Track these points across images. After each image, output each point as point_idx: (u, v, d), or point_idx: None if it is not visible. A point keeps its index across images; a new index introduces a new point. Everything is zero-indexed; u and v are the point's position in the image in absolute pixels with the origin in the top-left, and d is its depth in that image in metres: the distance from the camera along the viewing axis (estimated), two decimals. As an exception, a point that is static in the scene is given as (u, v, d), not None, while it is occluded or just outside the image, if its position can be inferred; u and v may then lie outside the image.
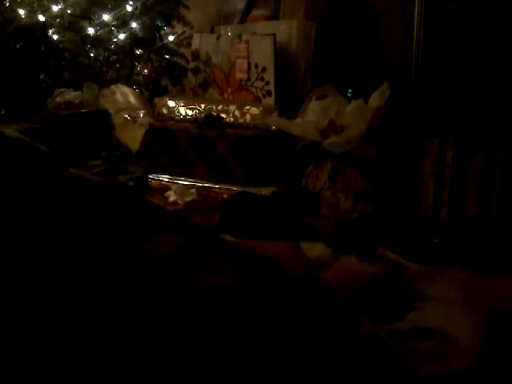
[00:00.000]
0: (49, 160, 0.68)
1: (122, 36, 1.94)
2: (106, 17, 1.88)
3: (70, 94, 1.86)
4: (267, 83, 1.56)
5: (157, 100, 1.75)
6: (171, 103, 1.69)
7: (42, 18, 1.75)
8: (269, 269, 0.85)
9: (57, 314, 0.64)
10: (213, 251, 0.90)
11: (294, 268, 0.87)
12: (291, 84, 1.61)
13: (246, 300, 0.75)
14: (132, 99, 1.88)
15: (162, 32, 2.08)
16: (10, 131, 0.64)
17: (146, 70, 1.95)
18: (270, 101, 1.56)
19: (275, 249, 0.90)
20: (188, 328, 0.70)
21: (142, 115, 1.81)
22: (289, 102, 1.54)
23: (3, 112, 1.58)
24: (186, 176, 1.50)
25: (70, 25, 1.80)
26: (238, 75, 1.63)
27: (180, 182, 1.50)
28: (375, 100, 1.26)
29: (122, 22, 1.93)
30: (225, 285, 0.78)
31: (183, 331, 0.69)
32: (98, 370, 0.62)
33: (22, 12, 1.72)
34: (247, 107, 1.53)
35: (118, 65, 1.98)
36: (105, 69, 1.95)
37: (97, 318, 0.67)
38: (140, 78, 1.98)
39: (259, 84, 1.58)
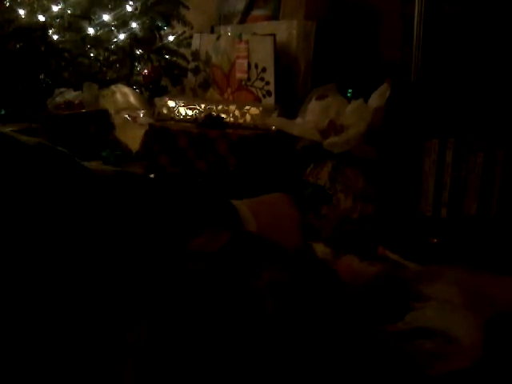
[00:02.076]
0: (74, 164, 0.67)
1: (121, 36, 1.94)
2: (106, 17, 1.88)
3: (70, 94, 1.86)
4: (267, 83, 1.56)
5: (157, 100, 1.75)
6: (171, 103, 1.69)
7: (42, 18, 1.75)
8: (319, 270, 0.86)
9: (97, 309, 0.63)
10: (263, 248, 0.89)
11: (290, 215, 0.89)
12: (291, 84, 1.61)
13: (299, 300, 0.75)
14: (132, 99, 1.89)
15: (162, 32, 2.08)
16: (27, 138, 0.63)
17: (145, 70, 1.95)
18: (270, 101, 1.56)
19: (273, 200, 0.91)
20: (242, 326, 0.69)
21: (141, 115, 1.81)
22: (289, 102, 1.54)
23: (3, 112, 1.58)
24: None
25: (70, 25, 1.80)
26: (238, 75, 1.63)
27: (180, 182, 1.50)
28: (375, 100, 1.26)
29: (122, 22, 1.93)
30: (280, 283, 0.77)
31: (237, 328, 0.69)
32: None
33: (22, 12, 1.72)
34: (247, 107, 1.53)
35: (117, 65, 1.98)
36: (105, 69, 1.95)
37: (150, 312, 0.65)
38: (140, 78, 1.98)
39: (259, 84, 1.58)
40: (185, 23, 2.01)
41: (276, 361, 0.64)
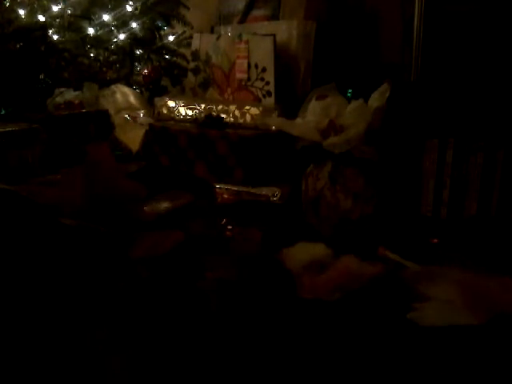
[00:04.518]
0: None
1: (122, 36, 1.94)
2: (105, 17, 1.88)
3: (70, 94, 1.87)
4: (267, 83, 1.56)
5: (157, 100, 1.75)
6: (171, 103, 1.69)
7: (41, 18, 1.75)
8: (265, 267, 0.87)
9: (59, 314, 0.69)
10: (213, 248, 0.91)
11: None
12: (291, 84, 1.61)
13: (242, 295, 0.77)
14: (132, 99, 1.89)
15: (162, 32, 2.08)
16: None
17: (145, 70, 1.95)
18: (270, 101, 1.56)
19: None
20: (189, 323, 0.71)
21: (142, 115, 1.81)
22: (289, 102, 1.54)
23: (3, 112, 1.58)
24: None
25: (70, 25, 1.80)
26: (238, 75, 1.63)
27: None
28: (375, 100, 1.26)
29: (122, 22, 1.94)
30: (226, 281, 0.79)
31: (185, 327, 0.70)
32: (103, 364, 0.64)
33: (22, 12, 1.72)
34: (247, 107, 1.53)
35: (117, 65, 1.98)
36: (105, 69, 1.95)
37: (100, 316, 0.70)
38: (140, 78, 1.98)
39: (259, 84, 1.58)
40: (185, 23, 2.01)
41: (221, 356, 0.67)
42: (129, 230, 0.93)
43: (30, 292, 0.75)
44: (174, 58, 2.06)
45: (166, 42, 2.07)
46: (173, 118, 1.68)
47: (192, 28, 2.00)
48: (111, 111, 1.82)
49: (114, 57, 1.97)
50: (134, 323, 0.72)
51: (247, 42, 1.58)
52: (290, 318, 0.80)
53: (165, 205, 1.17)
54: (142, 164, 1.59)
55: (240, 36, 1.61)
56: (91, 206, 0.93)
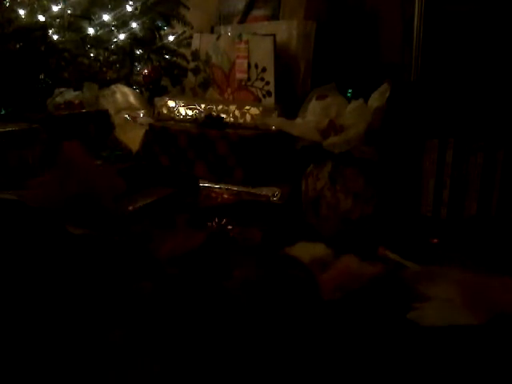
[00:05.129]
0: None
1: (122, 36, 1.94)
2: (106, 17, 1.88)
3: (70, 94, 1.86)
4: (267, 83, 1.56)
5: (157, 100, 1.75)
6: (171, 103, 1.69)
7: (41, 18, 1.75)
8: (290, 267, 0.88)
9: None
10: (236, 248, 0.92)
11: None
12: (291, 84, 1.61)
13: (271, 295, 0.77)
14: (132, 99, 1.89)
15: (162, 32, 2.08)
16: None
17: (146, 70, 1.95)
18: (270, 101, 1.56)
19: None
20: (216, 322, 0.71)
21: (141, 115, 1.81)
22: (289, 102, 1.54)
23: (3, 112, 1.58)
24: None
25: (70, 25, 1.80)
26: (238, 75, 1.63)
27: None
28: (375, 100, 1.26)
29: (122, 22, 1.93)
30: (253, 281, 0.80)
31: (211, 326, 0.71)
32: (129, 361, 0.65)
33: (22, 12, 1.72)
34: (247, 107, 1.53)
35: (118, 65, 1.98)
36: (105, 69, 1.95)
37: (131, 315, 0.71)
38: (140, 78, 1.98)
39: (259, 84, 1.58)
40: (185, 23, 2.01)
41: (253, 352, 0.67)
42: (109, 226, 0.94)
43: (48, 299, 0.76)
44: (174, 58, 2.06)
45: (166, 42, 2.07)
46: (173, 118, 1.68)
47: (192, 28, 2.00)
48: (111, 111, 1.82)
49: (114, 57, 1.97)
50: (160, 322, 0.73)
51: (247, 42, 1.58)
52: (313, 318, 0.80)
53: (143, 198, 1.21)
54: (130, 163, 1.61)
55: (240, 36, 1.61)
56: (67, 205, 0.93)
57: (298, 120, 1.32)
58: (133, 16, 1.95)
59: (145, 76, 1.95)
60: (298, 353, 0.71)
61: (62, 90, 1.84)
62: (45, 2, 1.75)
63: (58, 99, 1.81)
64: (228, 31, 1.76)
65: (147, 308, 0.75)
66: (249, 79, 1.60)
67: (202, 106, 1.62)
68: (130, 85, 1.97)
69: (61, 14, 1.78)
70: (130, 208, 1.20)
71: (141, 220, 1.05)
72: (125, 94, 1.88)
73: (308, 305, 0.81)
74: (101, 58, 1.94)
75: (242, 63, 1.61)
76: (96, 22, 1.87)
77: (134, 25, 1.96)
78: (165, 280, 0.82)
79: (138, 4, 1.94)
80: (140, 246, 0.89)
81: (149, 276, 0.82)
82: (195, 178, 1.36)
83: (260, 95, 1.58)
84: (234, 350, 0.68)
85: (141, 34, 1.98)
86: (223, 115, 1.56)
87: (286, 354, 0.70)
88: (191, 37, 1.85)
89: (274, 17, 1.71)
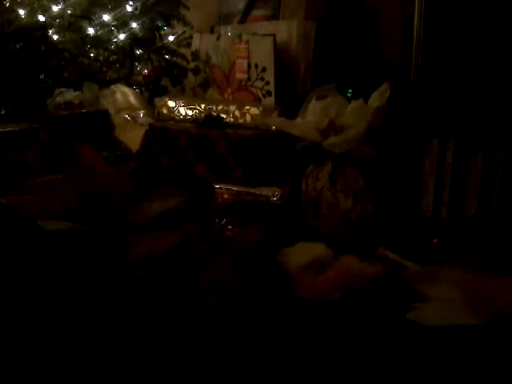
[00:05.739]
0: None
1: (122, 36, 1.94)
2: (106, 17, 1.88)
3: (70, 94, 1.86)
4: (267, 83, 1.56)
5: (157, 100, 1.75)
6: (171, 103, 1.69)
7: (42, 18, 1.75)
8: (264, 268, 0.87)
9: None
10: (211, 249, 0.91)
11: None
12: (291, 84, 1.61)
13: (243, 296, 0.77)
14: (132, 99, 1.89)
15: (162, 32, 2.08)
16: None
17: (145, 70, 1.95)
18: (270, 101, 1.56)
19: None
20: (187, 325, 0.71)
21: (141, 115, 1.81)
22: (289, 101, 1.54)
23: (3, 112, 1.58)
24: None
25: (70, 25, 1.80)
26: (238, 75, 1.63)
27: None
28: (375, 100, 1.26)
29: (122, 22, 1.94)
30: (221, 283, 0.79)
31: (182, 328, 0.71)
32: (104, 359, 0.64)
33: (22, 12, 1.72)
34: (247, 107, 1.53)
35: (118, 65, 1.98)
36: (105, 69, 1.95)
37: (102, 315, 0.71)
38: (140, 78, 1.98)
39: (259, 84, 1.58)
40: (185, 23, 2.01)
41: (221, 353, 0.67)
42: (124, 233, 0.93)
43: (22, 298, 0.75)
44: (174, 58, 2.06)
45: (166, 42, 2.07)
46: (173, 118, 1.68)
47: (192, 28, 2.00)
48: (111, 111, 1.82)
49: (114, 57, 1.97)
50: (129, 325, 0.72)
51: (247, 42, 1.58)
52: (287, 317, 0.80)
53: (160, 205, 1.15)
54: (137, 163, 1.59)
55: (240, 36, 1.61)
56: (81, 209, 0.93)
57: (298, 120, 1.32)
58: (133, 16, 1.95)
59: (145, 76, 1.95)
60: (271, 354, 0.70)
61: (62, 90, 1.84)
62: (45, 2, 1.76)
63: (58, 99, 1.81)
64: (228, 31, 1.76)
65: (119, 311, 0.75)
66: (249, 79, 1.60)
67: (202, 106, 1.62)
68: (130, 85, 1.97)
69: (61, 14, 1.78)
70: (145, 216, 1.13)
71: (158, 227, 1.03)
72: (125, 94, 1.88)
73: (280, 307, 0.81)
74: (101, 58, 1.94)
75: (241, 63, 1.61)
76: (96, 21, 1.87)
77: (133, 25, 1.96)
78: (131, 283, 0.82)
79: (138, 4, 1.94)
80: (111, 248, 0.88)
81: (117, 279, 0.82)
82: (209, 183, 1.34)
83: (260, 95, 1.58)
84: (201, 350, 0.68)
85: (141, 34, 1.99)
86: (223, 115, 1.56)
87: (255, 355, 0.70)
88: (191, 37, 1.85)
89: (274, 17, 1.71)
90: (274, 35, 1.54)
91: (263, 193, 1.39)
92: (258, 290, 0.83)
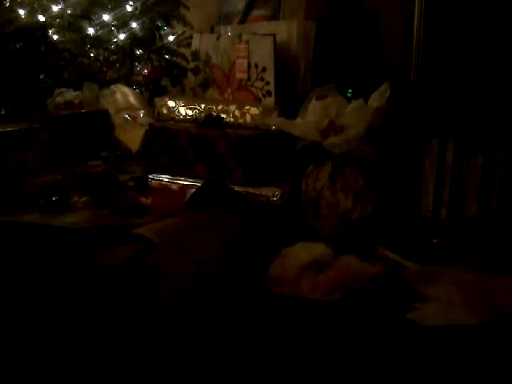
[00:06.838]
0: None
1: (121, 36, 1.94)
2: (106, 17, 1.89)
3: (70, 94, 1.87)
4: (267, 83, 1.56)
5: (157, 100, 1.75)
6: (171, 103, 1.69)
7: (42, 18, 1.75)
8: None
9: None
10: (171, 256, 0.91)
11: None
12: (291, 84, 1.61)
13: (202, 307, 0.76)
14: (132, 99, 1.89)
15: (162, 32, 2.08)
16: None
17: (145, 70, 1.95)
18: (270, 101, 1.56)
19: None
20: (147, 335, 0.71)
21: (142, 115, 1.81)
22: (289, 101, 1.54)
23: (3, 112, 1.58)
24: (186, 176, 1.50)
25: (70, 25, 1.80)
26: (238, 75, 1.63)
27: (180, 181, 1.50)
28: (375, 100, 1.26)
29: (122, 22, 1.94)
30: (179, 291, 0.78)
31: (143, 339, 0.71)
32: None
33: (22, 12, 1.72)
34: (247, 107, 1.53)
35: (118, 65, 1.98)
36: (105, 69, 1.95)
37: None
38: (140, 78, 1.98)
39: (259, 84, 1.58)
40: (185, 23, 2.01)
41: (183, 367, 0.67)
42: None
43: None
44: (174, 58, 2.06)
45: (166, 42, 2.07)
46: (173, 118, 1.68)
47: (192, 28, 2.00)
48: (111, 111, 1.82)
49: (114, 57, 1.97)
50: (90, 335, 0.73)
51: (247, 42, 1.58)
52: (287, 317, 0.80)
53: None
54: (143, 164, 1.58)
55: (240, 36, 1.61)
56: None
57: (298, 120, 1.32)
58: (133, 16, 1.95)
59: (145, 76, 1.95)
60: (271, 354, 0.70)
61: (62, 90, 1.84)
62: (45, 2, 1.76)
63: (58, 99, 1.81)
64: (228, 31, 1.76)
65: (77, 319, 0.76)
66: (249, 79, 1.60)
67: (202, 105, 1.62)
68: (130, 85, 1.97)
69: (61, 14, 1.78)
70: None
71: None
72: (125, 94, 1.88)
73: (240, 314, 0.80)
74: (101, 58, 1.94)
75: (241, 63, 1.61)
76: (96, 21, 1.87)
77: (133, 25, 1.96)
78: (91, 292, 0.81)
79: (138, 4, 1.94)
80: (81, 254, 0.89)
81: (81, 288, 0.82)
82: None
83: (260, 95, 1.58)
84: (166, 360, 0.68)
85: (141, 34, 1.99)
86: (223, 115, 1.56)
87: (255, 355, 0.70)
88: (191, 37, 1.85)
89: (274, 17, 1.71)
90: (274, 35, 1.54)
91: (263, 193, 1.39)
92: (217, 299, 0.82)
